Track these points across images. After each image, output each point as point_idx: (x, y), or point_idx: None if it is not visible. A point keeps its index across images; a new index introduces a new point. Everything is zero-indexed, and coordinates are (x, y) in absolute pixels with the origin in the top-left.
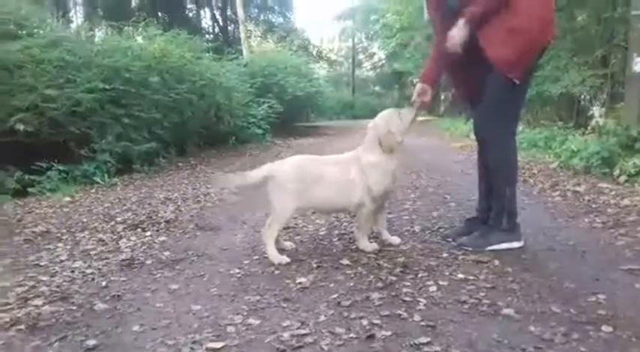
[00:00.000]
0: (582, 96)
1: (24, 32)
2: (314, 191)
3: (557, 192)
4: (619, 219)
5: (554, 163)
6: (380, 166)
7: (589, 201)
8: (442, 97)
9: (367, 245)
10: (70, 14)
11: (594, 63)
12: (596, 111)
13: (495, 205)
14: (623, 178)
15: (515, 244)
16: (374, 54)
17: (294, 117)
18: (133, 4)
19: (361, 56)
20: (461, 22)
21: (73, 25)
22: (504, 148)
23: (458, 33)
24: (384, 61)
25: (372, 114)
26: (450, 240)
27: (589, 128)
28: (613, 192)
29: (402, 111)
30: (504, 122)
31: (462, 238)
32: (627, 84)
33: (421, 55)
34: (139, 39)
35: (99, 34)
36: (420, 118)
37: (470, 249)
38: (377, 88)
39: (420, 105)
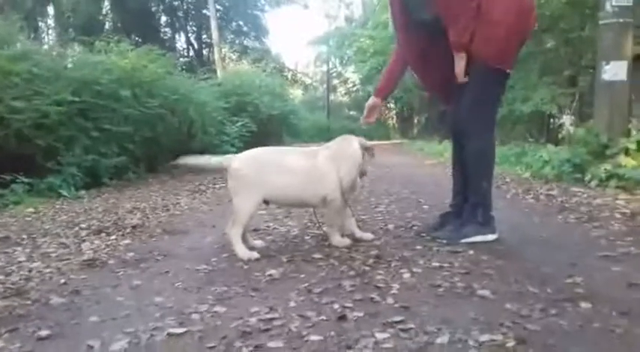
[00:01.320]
0: (552, 113)
1: None
2: (276, 183)
3: (531, 196)
4: (592, 215)
5: (526, 173)
6: (352, 156)
7: (562, 202)
8: (415, 121)
9: (340, 240)
10: (42, 35)
11: (562, 83)
12: (567, 120)
13: (471, 199)
14: (594, 183)
15: (490, 237)
16: (348, 79)
17: (269, 137)
18: (107, 25)
19: (336, 81)
20: (457, 56)
21: (45, 47)
22: (485, 142)
23: (460, 67)
24: (358, 86)
25: None
26: (424, 235)
27: (559, 136)
28: (585, 195)
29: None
30: (486, 113)
31: (436, 231)
32: (596, 92)
33: None
34: (111, 55)
35: (70, 51)
36: (394, 141)
37: (445, 241)
38: (352, 112)
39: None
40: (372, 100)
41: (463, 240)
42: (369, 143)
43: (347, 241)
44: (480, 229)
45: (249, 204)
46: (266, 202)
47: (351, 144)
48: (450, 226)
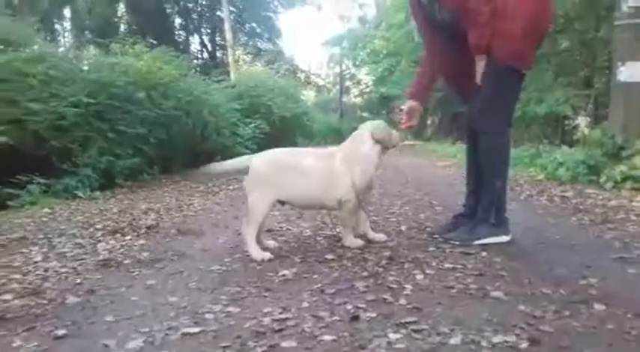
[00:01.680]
0: (566, 115)
1: (9, 48)
2: (292, 184)
3: (545, 197)
4: (607, 217)
5: (541, 175)
6: (367, 157)
7: (576, 203)
8: (429, 122)
9: (353, 241)
10: (58, 37)
11: (577, 84)
12: (582, 121)
13: (485, 198)
14: (609, 185)
15: (504, 238)
16: (361, 80)
17: (282, 138)
18: (122, 28)
19: (349, 83)
20: (477, 58)
21: (62, 49)
22: (499, 139)
23: (480, 68)
24: (371, 87)
25: None
26: (437, 236)
27: (574, 138)
28: (600, 196)
29: (393, 132)
30: (502, 112)
31: (449, 233)
32: (612, 93)
33: (408, 79)
34: (127, 57)
35: (86, 53)
36: (407, 142)
37: (457, 242)
38: (365, 114)
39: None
40: (409, 104)
41: (476, 242)
42: (383, 133)
43: (360, 242)
44: (493, 230)
45: (264, 203)
46: (281, 203)
47: (363, 144)
48: (463, 227)
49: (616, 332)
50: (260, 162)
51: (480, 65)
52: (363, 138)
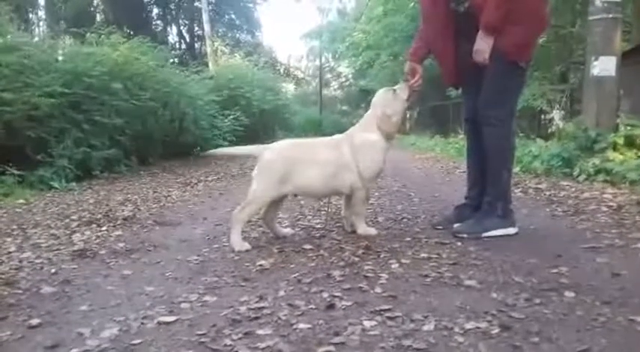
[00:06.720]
0: (542, 109)
1: None
2: (303, 175)
3: (519, 189)
4: (579, 208)
5: (516, 168)
6: (374, 146)
7: (550, 195)
8: (407, 115)
9: (367, 229)
10: (33, 27)
11: (553, 78)
12: (556, 114)
13: (492, 190)
14: (582, 177)
15: (511, 230)
16: (340, 73)
17: (261, 131)
18: (98, 18)
19: (328, 75)
20: (481, 34)
21: (36, 39)
22: (505, 131)
23: (484, 47)
24: (351, 80)
25: (339, 131)
26: (440, 227)
27: (549, 131)
28: (573, 188)
29: (397, 87)
30: (507, 105)
31: (456, 226)
32: (585, 87)
33: (387, 72)
34: (103, 47)
35: (61, 43)
36: None
37: (465, 235)
38: (344, 107)
39: (412, 86)
40: (408, 65)
41: (485, 234)
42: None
43: (373, 231)
44: (501, 223)
45: (266, 197)
46: (295, 195)
47: (369, 131)
48: (471, 220)
49: (584, 319)
50: (272, 155)
51: (482, 45)
52: (368, 123)
